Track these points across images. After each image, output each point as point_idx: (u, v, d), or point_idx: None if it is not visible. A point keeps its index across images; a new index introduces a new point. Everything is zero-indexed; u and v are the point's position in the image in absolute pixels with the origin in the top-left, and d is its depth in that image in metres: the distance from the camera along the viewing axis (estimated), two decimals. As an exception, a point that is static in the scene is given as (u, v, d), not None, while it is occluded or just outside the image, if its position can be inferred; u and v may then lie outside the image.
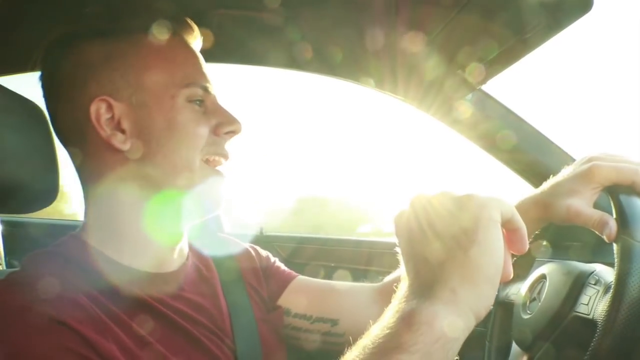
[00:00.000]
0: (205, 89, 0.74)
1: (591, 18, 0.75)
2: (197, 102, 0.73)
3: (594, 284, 0.71)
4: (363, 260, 0.95)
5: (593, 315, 0.66)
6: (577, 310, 0.70)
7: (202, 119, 0.73)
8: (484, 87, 1.17)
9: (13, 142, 0.77)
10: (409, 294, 0.48)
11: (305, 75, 1.29)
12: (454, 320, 0.45)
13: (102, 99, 0.68)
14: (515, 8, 0.81)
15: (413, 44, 1.09)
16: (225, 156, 0.75)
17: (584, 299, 0.70)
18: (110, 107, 0.69)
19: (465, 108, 1.19)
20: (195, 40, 0.78)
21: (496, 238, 0.47)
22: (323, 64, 1.25)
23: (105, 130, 0.69)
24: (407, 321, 0.45)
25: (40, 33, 0.73)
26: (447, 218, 0.48)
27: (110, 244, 0.70)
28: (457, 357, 0.46)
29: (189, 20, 0.77)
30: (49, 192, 0.82)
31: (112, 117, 0.69)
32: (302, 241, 1.41)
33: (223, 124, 0.74)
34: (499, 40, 0.89)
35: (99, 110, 0.68)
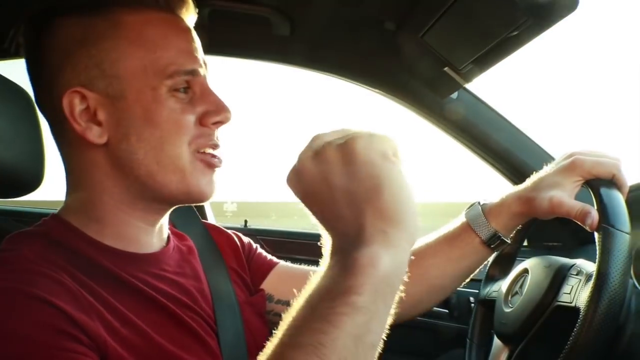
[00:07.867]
0: (193, 73, 0.68)
1: (577, 17, 0.77)
2: (183, 90, 0.67)
3: (576, 275, 0.73)
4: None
5: (575, 303, 0.68)
6: (560, 299, 0.71)
7: (188, 107, 0.67)
8: (470, 86, 1.19)
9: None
10: (339, 247, 0.47)
11: (293, 70, 1.29)
12: (395, 256, 0.45)
13: (74, 90, 0.64)
14: (502, 6, 0.83)
15: (402, 41, 1.11)
16: (216, 146, 0.70)
17: (566, 288, 0.72)
18: (84, 98, 0.65)
19: (451, 106, 1.21)
20: (188, 14, 0.71)
21: (398, 173, 0.47)
22: (313, 61, 1.25)
23: (80, 124, 0.65)
24: (350, 268, 0.44)
25: (18, 14, 0.70)
26: (344, 171, 0.47)
27: (92, 225, 0.68)
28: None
29: None
30: (34, 177, 0.81)
31: (88, 108, 0.65)
32: (288, 235, 1.39)
33: (210, 114, 0.69)
34: (485, 38, 0.91)
35: (72, 102, 0.64)
